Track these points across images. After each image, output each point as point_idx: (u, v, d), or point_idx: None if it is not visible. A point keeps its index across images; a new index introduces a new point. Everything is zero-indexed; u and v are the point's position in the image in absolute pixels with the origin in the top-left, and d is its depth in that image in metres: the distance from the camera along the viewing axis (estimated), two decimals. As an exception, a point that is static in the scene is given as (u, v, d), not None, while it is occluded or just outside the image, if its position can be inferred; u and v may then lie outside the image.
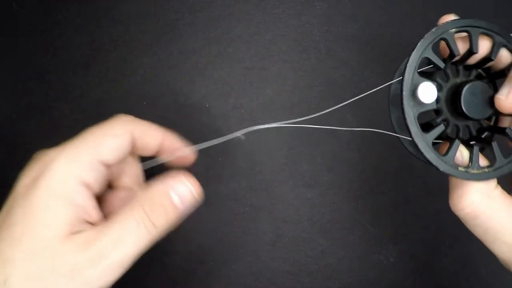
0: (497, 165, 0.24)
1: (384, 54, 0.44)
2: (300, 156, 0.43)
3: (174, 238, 0.43)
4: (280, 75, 0.44)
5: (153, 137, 0.29)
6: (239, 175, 0.43)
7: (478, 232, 0.25)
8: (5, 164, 0.43)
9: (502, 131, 0.25)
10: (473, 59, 0.25)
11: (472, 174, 0.23)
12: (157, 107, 0.43)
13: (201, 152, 0.44)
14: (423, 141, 0.23)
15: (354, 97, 0.27)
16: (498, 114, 0.25)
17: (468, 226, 0.26)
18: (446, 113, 0.25)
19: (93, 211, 0.25)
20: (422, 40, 0.25)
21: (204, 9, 0.44)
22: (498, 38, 0.25)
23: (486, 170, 0.24)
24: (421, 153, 0.23)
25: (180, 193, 0.25)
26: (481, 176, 0.23)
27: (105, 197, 0.28)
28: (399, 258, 0.43)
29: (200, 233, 0.43)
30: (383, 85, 0.26)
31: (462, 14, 0.43)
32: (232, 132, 0.43)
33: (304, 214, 0.43)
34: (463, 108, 0.23)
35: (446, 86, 0.25)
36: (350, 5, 0.44)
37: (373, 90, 0.27)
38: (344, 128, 0.30)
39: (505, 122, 0.27)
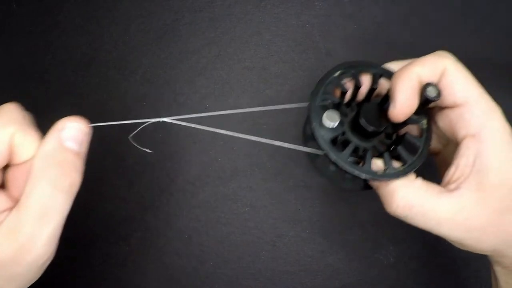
0: (408, 163, 0.28)
1: (384, 54, 0.44)
2: (300, 156, 0.43)
3: (174, 238, 0.43)
4: (280, 75, 0.44)
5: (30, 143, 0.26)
6: (239, 175, 0.43)
7: (420, 221, 0.27)
8: (5, 164, 0.43)
9: (403, 138, 0.29)
10: (361, 94, 0.31)
11: (390, 174, 0.27)
12: (157, 107, 0.43)
13: (201, 152, 0.44)
14: (340, 159, 0.27)
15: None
16: (394, 128, 0.30)
17: (410, 221, 0.28)
18: (355, 140, 0.29)
19: None
20: (317, 83, 0.30)
21: (204, 9, 0.44)
22: (375, 71, 0.30)
23: (401, 168, 0.28)
24: (344, 168, 0.27)
25: (73, 137, 0.25)
26: (399, 174, 0.27)
27: (9, 177, 0.26)
28: (399, 258, 0.43)
29: (200, 233, 0.43)
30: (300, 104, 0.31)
31: (462, 14, 0.43)
32: (231, 131, 0.43)
33: (304, 214, 0.43)
34: (362, 124, 0.28)
35: (347, 119, 0.30)
36: (350, 5, 0.45)
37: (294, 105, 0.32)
38: (266, 140, 0.31)
39: (402, 132, 0.30)
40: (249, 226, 0.43)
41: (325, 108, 0.29)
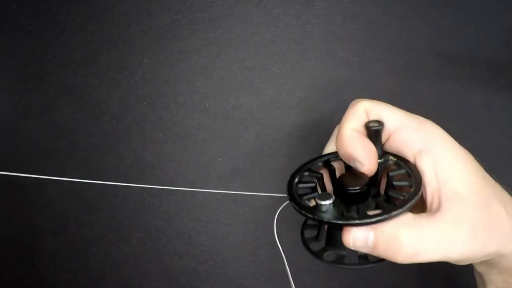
0: (404, 198, 0.27)
1: (384, 54, 0.44)
2: (300, 156, 0.43)
3: (174, 238, 0.43)
4: (280, 75, 0.44)
5: None
6: (239, 175, 0.43)
7: (432, 256, 0.26)
8: (5, 164, 0.43)
9: (388, 195, 0.29)
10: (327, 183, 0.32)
11: (390, 213, 0.26)
12: (157, 107, 0.43)
13: (201, 152, 0.44)
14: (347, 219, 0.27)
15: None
16: (374, 184, 0.30)
17: (421, 261, 0.26)
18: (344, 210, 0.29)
19: None
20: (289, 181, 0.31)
21: (204, 9, 0.44)
22: (322, 159, 0.32)
23: (399, 204, 0.27)
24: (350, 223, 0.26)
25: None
26: (398, 207, 0.26)
27: None
28: (399, 258, 0.43)
29: (200, 233, 0.43)
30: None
31: (461, 14, 0.43)
32: (231, 131, 0.43)
33: (304, 214, 0.43)
34: (345, 187, 0.28)
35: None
36: (350, 5, 0.44)
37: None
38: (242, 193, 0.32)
39: (384, 186, 0.31)
40: (249, 226, 0.43)
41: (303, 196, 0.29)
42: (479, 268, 0.32)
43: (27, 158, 0.43)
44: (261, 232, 0.43)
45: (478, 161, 0.30)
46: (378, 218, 0.25)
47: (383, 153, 0.30)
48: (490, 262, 0.29)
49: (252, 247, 0.43)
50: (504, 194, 0.29)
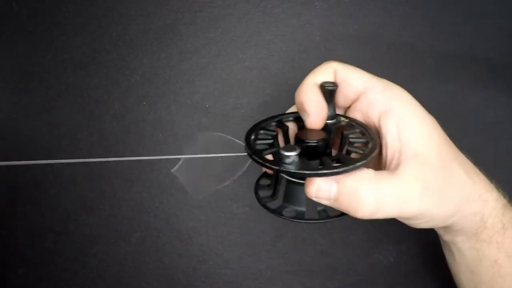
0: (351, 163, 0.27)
1: (384, 54, 0.44)
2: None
3: (174, 238, 0.43)
4: (280, 75, 0.44)
5: None
6: (239, 175, 0.43)
7: (390, 211, 0.27)
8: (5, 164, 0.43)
9: (348, 151, 0.29)
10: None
11: (351, 164, 0.26)
12: (157, 107, 0.43)
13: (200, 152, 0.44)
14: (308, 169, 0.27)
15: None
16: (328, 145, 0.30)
17: (379, 216, 0.27)
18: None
19: None
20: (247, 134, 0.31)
21: (204, 9, 0.44)
22: (278, 119, 0.32)
23: (358, 157, 0.27)
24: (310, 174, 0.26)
25: None
26: (360, 160, 0.26)
27: None
28: (399, 258, 0.43)
29: (200, 233, 0.43)
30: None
31: (462, 14, 0.43)
32: (231, 131, 0.43)
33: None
34: (304, 140, 0.29)
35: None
36: (350, 5, 0.44)
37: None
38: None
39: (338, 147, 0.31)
40: (249, 226, 0.43)
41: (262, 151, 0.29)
42: (445, 237, 0.32)
43: (27, 158, 0.43)
44: (261, 232, 0.43)
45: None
46: (345, 168, 0.25)
47: (335, 115, 0.31)
48: (454, 228, 0.30)
49: (252, 247, 0.43)
50: (464, 158, 0.30)
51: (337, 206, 0.27)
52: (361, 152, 0.28)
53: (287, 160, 0.26)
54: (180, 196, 0.43)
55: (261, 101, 0.44)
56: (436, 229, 0.33)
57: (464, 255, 0.31)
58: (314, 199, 0.27)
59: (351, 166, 0.26)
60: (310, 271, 0.43)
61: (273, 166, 0.26)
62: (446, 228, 0.30)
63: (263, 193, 0.33)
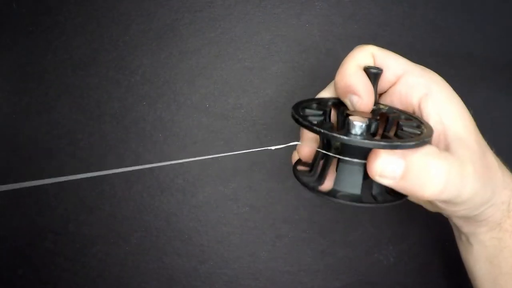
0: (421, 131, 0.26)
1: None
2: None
3: (174, 238, 0.43)
4: (280, 75, 0.44)
5: None
6: (239, 175, 0.43)
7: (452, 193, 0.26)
8: (5, 164, 0.43)
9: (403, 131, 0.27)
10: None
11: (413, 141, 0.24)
12: (157, 107, 0.43)
13: (201, 152, 0.44)
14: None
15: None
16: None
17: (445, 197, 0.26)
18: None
19: None
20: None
21: (204, 9, 0.44)
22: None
23: (418, 135, 0.25)
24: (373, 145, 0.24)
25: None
26: (424, 138, 0.24)
27: None
28: (399, 258, 0.43)
29: (200, 233, 0.43)
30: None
31: (461, 14, 0.43)
32: (231, 131, 0.43)
33: (304, 214, 0.43)
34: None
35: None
36: (350, 5, 0.44)
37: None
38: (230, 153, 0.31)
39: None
40: (249, 226, 0.43)
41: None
42: (465, 229, 0.31)
43: (27, 158, 0.43)
44: (261, 232, 0.43)
45: None
46: (416, 141, 0.23)
47: (376, 101, 0.29)
48: (480, 218, 0.29)
49: (252, 247, 0.43)
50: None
51: (402, 185, 0.25)
52: (417, 133, 0.26)
53: (355, 131, 0.23)
54: (180, 196, 0.43)
55: (261, 101, 0.44)
56: (455, 221, 0.32)
57: (484, 246, 0.31)
58: (377, 178, 0.25)
59: (423, 140, 0.23)
60: (310, 271, 0.43)
61: (343, 137, 0.23)
62: (470, 218, 0.29)
63: (306, 179, 0.29)
